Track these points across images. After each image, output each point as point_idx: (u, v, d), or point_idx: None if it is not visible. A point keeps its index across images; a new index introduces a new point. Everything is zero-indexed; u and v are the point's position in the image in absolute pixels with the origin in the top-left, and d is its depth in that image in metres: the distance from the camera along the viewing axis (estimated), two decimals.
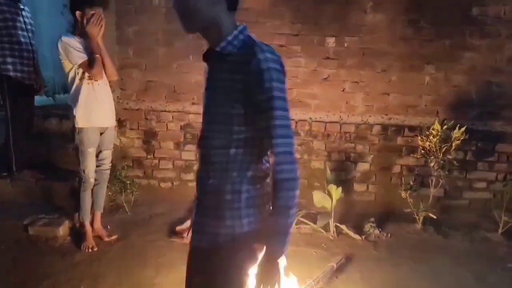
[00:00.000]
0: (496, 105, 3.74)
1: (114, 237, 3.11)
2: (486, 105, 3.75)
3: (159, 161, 4.08)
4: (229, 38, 1.25)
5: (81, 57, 2.72)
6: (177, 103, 3.94)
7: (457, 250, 3.16)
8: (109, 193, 3.43)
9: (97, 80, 2.81)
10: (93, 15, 2.70)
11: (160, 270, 2.71)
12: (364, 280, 2.69)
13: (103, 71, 2.80)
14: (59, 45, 2.71)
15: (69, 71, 2.79)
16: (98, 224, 3.13)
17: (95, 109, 2.83)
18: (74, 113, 2.80)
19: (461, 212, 3.79)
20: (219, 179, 1.29)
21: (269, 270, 1.25)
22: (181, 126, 3.99)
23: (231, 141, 1.25)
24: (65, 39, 2.72)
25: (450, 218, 3.62)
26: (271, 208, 1.27)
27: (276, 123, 1.18)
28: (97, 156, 2.99)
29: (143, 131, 4.03)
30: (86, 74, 2.77)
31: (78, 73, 2.78)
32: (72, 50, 2.70)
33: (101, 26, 2.75)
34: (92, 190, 3.01)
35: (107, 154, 3.04)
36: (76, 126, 2.82)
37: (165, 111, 3.97)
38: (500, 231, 3.36)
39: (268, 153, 1.31)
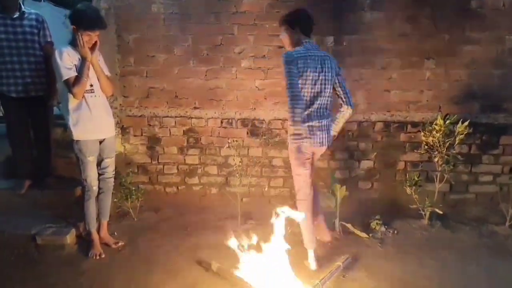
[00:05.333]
0: (499, 97, 3.72)
1: (121, 243, 3.13)
2: (488, 98, 3.73)
3: (163, 167, 4.10)
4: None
5: (66, 74, 2.69)
6: (179, 108, 3.97)
7: (465, 245, 3.13)
8: (115, 200, 3.45)
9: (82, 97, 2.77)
10: (88, 37, 2.71)
11: (168, 275, 2.73)
12: (371, 278, 2.68)
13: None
14: (55, 55, 2.71)
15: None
16: (104, 232, 3.15)
17: (89, 122, 2.82)
18: (68, 124, 2.82)
19: (468, 206, 3.77)
20: None
21: None
22: (183, 131, 4.01)
23: None
24: (58, 52, 2.71)
25: (456, 213, 3.60)
26: None
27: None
28: (99, 164, 3.01)
29: (146, 137, 4.05)
30: None
31: None
32: (59, 65, 2.68)
33: (94, 49, 2.76)
34: (97, 198, 3.04)
35: (109, 163, 3.05)
36: (71, 137, 2.84)
37: (167, 116, 3.99)
38: (507, 223, 3.33)
39: None
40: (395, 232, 3.32)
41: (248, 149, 3.97)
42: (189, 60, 3.87)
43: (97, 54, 2.84)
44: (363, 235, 3.22)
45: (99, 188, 3.04)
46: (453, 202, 3.78)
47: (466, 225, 3.41)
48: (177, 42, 3.83)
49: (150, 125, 4.03)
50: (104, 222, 3.15)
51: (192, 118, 3.97)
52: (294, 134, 2.58)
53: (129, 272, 2.78)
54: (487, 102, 3.74)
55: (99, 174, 3.02)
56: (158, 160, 4.09)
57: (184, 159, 4.07)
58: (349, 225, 3.27)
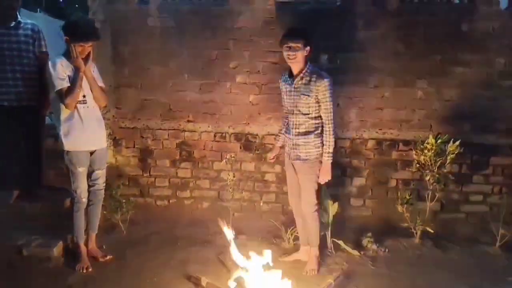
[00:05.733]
0: (489, 118, 3.78)
1: (109, 257, 3.07)
2: (479, 118, 3.78)
3: (155, 179, 4.06)
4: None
5: (59, 85, 2.68)
6: (172, 121, 3.96)
7: (456, 264, 3.13)
8: (104, 212, 3.39)
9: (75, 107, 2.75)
10: (81, 48, 2.69)
11: None
12: None
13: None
14: (49, 65, 2.71)
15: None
16: (92, 244, 3.09)
17: (81, 133, 2.80)
18: (60, 134, 2.79)
19: (459, 225, 3.78)
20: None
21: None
22: (176, 144, 3.99)
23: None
24: (51, 62, 2.71)
25: (447, 232, 3.60)
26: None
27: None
28: (90, 176, 2.97)
29: (139, 149, 4.03)
30: None
31: None
32: (53, 76, 2.68)
33: (87, 60, 2.75)
34: (86, 210, 2.99)
35: (100, 174, 3.00)
36: (62, 148, 2.81)
37: (160, 129, 3.98)
38: (498, 244, 3.34)
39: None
40: (387, 250, 3.30)
41: (241, 164, 3.96)
42: (184, 74, 3.88)
43: (90, 65, 2.82)
44: (355, 252, 3.20)
45: (89, 200, 2.99)
46: (444, 221, 3.79)
47: (456, 245, 3.41)
48: (173, 56, 3.85)
49: (142, 137, 4.01)
50: (93, 234, 3.09)
51: (185, 131, 3.96)
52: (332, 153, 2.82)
53: (117, 286, 2.72)
54: (478, 122, 3.79)
55: (89, 186, 2.98)
56: (149, 173, 4.06)
57: (176, 172, 4.04)
58: (341, 242, 3.25)
